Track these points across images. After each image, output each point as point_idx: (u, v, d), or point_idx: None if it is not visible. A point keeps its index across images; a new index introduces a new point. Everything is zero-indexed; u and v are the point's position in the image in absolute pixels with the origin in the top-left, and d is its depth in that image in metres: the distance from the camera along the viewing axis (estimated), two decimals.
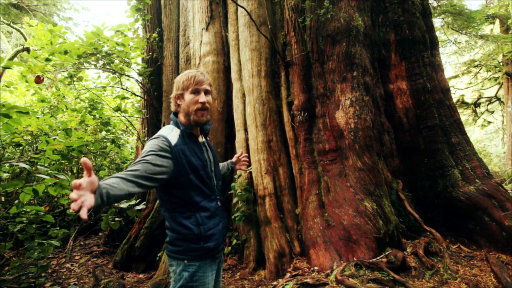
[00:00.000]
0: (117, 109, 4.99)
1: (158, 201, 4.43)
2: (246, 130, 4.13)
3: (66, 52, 3.95)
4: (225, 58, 4.75)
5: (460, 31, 9.19)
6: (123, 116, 5.46)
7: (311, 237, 3.31)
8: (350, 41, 3.73)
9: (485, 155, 12.44)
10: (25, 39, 8.41)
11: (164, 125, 4.98)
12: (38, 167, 2.61)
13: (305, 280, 2.74)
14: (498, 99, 13.13)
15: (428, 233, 3.52)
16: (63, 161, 3.87)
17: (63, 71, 4.38)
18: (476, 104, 12.91)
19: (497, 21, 11.62)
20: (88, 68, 4.46)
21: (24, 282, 2.99)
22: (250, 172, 3.94)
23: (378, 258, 2.92)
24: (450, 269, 2.91)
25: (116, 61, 4.59)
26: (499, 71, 11.65)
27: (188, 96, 1.57)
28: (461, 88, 13.12)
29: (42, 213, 2.69)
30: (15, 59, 7.76)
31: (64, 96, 5.33)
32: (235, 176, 4.08)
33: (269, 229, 3.59)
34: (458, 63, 13.22)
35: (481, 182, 3.77)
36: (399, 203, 3.75)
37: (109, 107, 5.48)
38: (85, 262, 4.22)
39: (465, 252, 3.41)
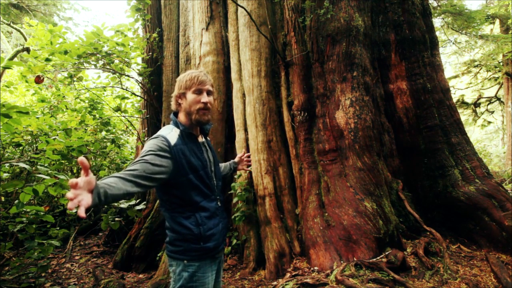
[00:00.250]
0: (117, 109, 4.99)
1: (158, 201, 4.44)
2: (246, 130, 4.13)
3: (66, 52, 3.95)
4: (225, 58, 4.75)
5: (460, 31, 9.19)
6: (123, 116, 5.46)
7: (311, 237, 3.31)
8: (350, 41, 3.73)
9: (485, 155, 12.44)
10: (25, 39, 8.41)
11: (164, 125, 4.98)
12: (38, 167, 2.61)
13: (305, 280, 2.74)
14: (498, 99, 13.13)
15: (428, 233, 3.52)
16: (63, 161, 3.87)
17: (63, 71, 4.38)
18: (476, 104, 12.91)
19: (497, 21, 11.62)
20: (88, 68, 4.46)
21: (24, 282, 2.99)
22: (250, 172, 3.94)
23: (378, 258, 2.92)
24: (450, 269, 2.91)
25: (116, 61, 4.59)
26: (499, 71, 11.65)
27: (190, 96, 1.57)
28: (461, 88, 13.13)
29: (42, 213, 2.69)
30: (15, 59, 7.76)
31: (64, 96, 5.33)
32: (235, 176, 4.08)
33: (269, 229, 3.59)
34: (458, 63, 13.22)
35: (481, 182, 3.77)
36: (399, 203, 3.75)
37: (109, 107, 5.48)
38: (85, 262, 4.22)
39: (465, 252, 3.41)
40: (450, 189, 3.85)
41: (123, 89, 5.20)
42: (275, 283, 3.05)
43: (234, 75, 4.39)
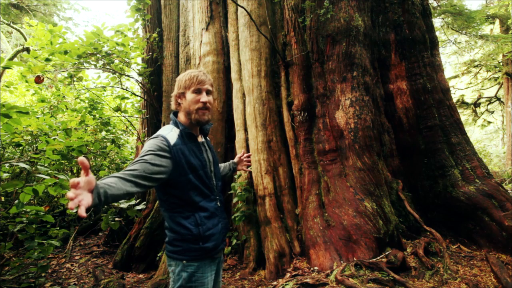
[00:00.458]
0: (117, 109, 4.99)
1: (158, 201, 4.43)
2: (246, 130, 4.13)
3: (66, 52, 3.95)
4: (225, 58, 4.75)
5: (460, 31, 9.19)
6: (123, 116, 5.46)
7: (311, 237, 3.31)
8: (350, 41, 3.73)
9: (485, 155, 12.44)
10: (25, 39, 8.41)
11: (164, 125, 4.99)
12: (38, 167, 2.60)
13: (305, 280, 2.74)
14: (498, 99, 13.13)
15: (428, 233, 3.52)
16: (63, 161, 3.87)
17: (63, 71, 4.38)
18: (476, 104, 12.91)
19: (497, 21, 11.62)
20: (88, 68, 4.46)
21: (24, 282, 2.99)
22: (250, 172, 3.94)
23: (378, 258, 2.92)
24: (450, 269, 2.91)
25: (116, 61, 4.59)
26: (499, 71, 11.65)
27: (189, 95, 1.57)
28: (461, 88, 13.13)
29: (42, 213, 2.69)
30: (15, 59, 7.76)
31: (64, 96, 5.33)
32: (235, 176, 4.08)
33: (269, 229, 3.59)
34: (458, 63, 13.23)
35: (481, 182, 3.77)
36: (399, 203, 3.75)
37: (109, 107, 5.48)
38: (85, 262, 4.22)
39: (465, 252, 3.41)
40: (450, 189, 3.85)
41: (123, 89, 5.20)
42: (275, 283, 3.05)
43: (234, 75, 4.39)
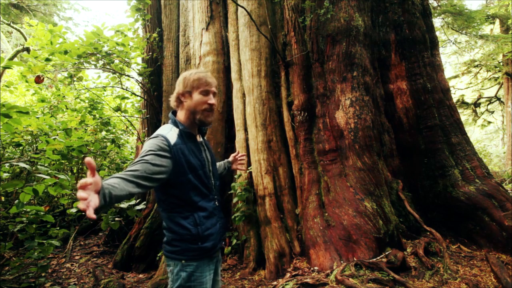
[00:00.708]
0: (117, 109, 4.99)
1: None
2: (246, 130, 4.13)
3: (66, 52, 3.95)
4: (225, 58, 4.75)
5: (460, 31, 9.19)
6: (123, 116, 5.46)
7: (311, 237, 3.31)
8: (350, 41, 3.73)
9: (485, 155, 12.44)
10: (25, 39, 8.41)
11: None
12: (38, 167, 2.61)
13: (305, 280, 2.74)
14: (498, 99, 13.13)
15: (428, 233, 3.52)
16: (63, 161, 3.87)
17: (63, 71, 4.38)
18: (476, 104, 12.91)
19: (497, 21, 11.62)
20: (88, 68, 4.46)
21: (24, 282, 2.99)
22: (250, 172, 3.94)
23: (378, 258, 2.92)
24: (450, 269, 2.91)
25: (116, 61, 4.59)
26: (499, 71, 11.65)
27: (197, 96, 1.57)
28: (461, 88, 13.12)
29: (42, 213, 2.69)
30: (15, 59, 7.76)
31: (64, 96, 5.33)
32: (235, 176, 4.08)
33: (269, 229, 3.59)
34: (458, 63, 13.22)
35: (481, 182, 3.77)
36: (399, 203, 3.75)
37: (109, 107, 5.48)
38: (85, 262, 4.22)
39: (465, 252, 3.41)
40: (450, 189, 3.85)
41: (123, 89, 5.20)
42: (275, 283, 3.05)
43: (234, 75, 4.39)
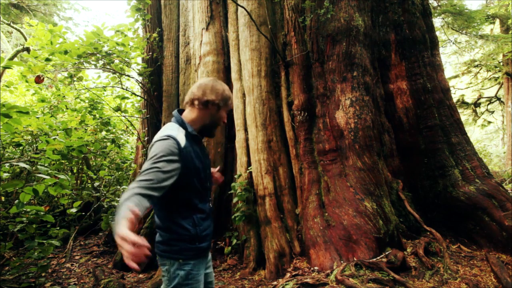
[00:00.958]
0: (117, 109, 4.99)
1: None
2: (246, 130, 4.13)
3: (66, 52, 3.95)
4: (225, 58, 4.75)
5: (460, 31, 9.19)
6: (123, 116, 5.46)
7: (311, 237, 3.31)
8: (350, 41, 3.73)
9: (485, 155, 12.44)
10: (25, 39, 8.41)
11: (164, 125, 4.98)
12: (38, 167, 2.60)
13: (305, 280, 2.74)
14: (498, 99, 13.13)
15: (428, 233, 3.52)
16: (63, 161, 3.87)
17: (63, 71, 4.38)
18: (476, 104, 12.91)
19: (497, 21, 11.62)
20: (88, 68, 4.46)
21: (24, 282, 2.99)
22: (250, 172, 3.94)
23: (378, 258, 2.92)
24: (450, 269, 2.91)
25: (116, 61, 4.59)
26: (499, 71, 11.65)
27: (223, 113, 1.66)
28: (461, 88, 13.12)
29: (42, 213, 2.69)
30: (15, 59, 7.76)
31: (64, 96, 5.33)
32: (235, 176, 4.08)
33: (269, 229, 3.59)
34: (458, 63, 13.22)
35: (481, 182, 3.77)
36: (399, 203, 3.75)
37: (109, 107, 5.48)
38: (85, 262, 4.22)
39: (465, 252, 3.41)
40: (450, 189, 3.85)
41: (123, 89, 5.20)
42: (275, 283, 3.05)
43: (234, 75, 4.39)
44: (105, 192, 4.43)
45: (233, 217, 3.75)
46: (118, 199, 3.71)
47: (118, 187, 5.18)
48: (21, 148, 3.48)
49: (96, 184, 4.91)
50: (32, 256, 2.91)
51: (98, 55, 4.26)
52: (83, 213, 4.24)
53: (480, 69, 11.94)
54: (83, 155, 3.39)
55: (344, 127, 3.57)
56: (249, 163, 4.02)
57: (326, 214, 3.39)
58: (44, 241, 2.83)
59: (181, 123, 1.57)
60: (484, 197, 3.60)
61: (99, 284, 3.33)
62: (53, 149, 2.75)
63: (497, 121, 14.14)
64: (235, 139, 4.27)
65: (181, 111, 1.66)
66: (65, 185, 2.55)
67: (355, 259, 2.95)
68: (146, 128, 5.36)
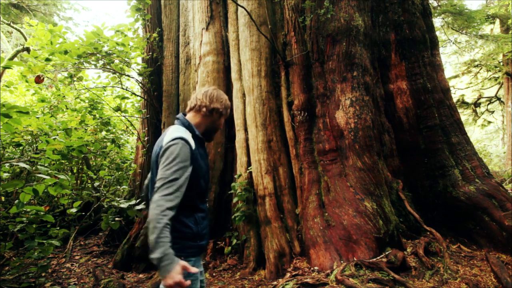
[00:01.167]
0: (117, 109, 4.99)
1: None
2: (246, 130, 4.13)
3: (66, 52, 3.95)
4: (225, 58, 4.74)
5: (460, 31, 9.19)
6: (123, 116, 5.46)
7: (311, 237, 3.31)
8: (350, 41, 3.73)
9: (485, 155, 12.44)
10: (25, 39, 8.41)
11: (164, 125, 4.98)
12: (38, 167, 2.60)
13: (305, 280, 2.74)
14: (498, 99, 13.13)
15: (428, 233, 3.52)
16: (63, 161, 3.87)
17: (63, 71, 4.38)
18: (476, 104, 12.91)
19: (497, 21, 11.62)
20: (88, 68, 4.46)
21: (24, 282, 2.99)
22: (250, 172, 3.94)
23: (378, 258, 2.92)
24: (450, 269, 2.91)
25: (116, 61, 4.59)
26: (499, 71, 11.64)
27: (222, 120, 1.78)
28: (461, 88, 13.12)
29: (42, 213, 2.69)
30: (15, 59, 7.76)
31: (64, 96, 5.33)
32: (235, 176, 4.08)
33: (269, 229, 3.59)
34: (458, 63, 13.23)
35: (481, 182, 3.76)
36: (399, 203, 3.75)
37: (109, 107, 5.48)
38: (85, 262, 4.22)
39: (465, 252, 3.41)
40: (450, 189, 3.85)
41: (123, 89, 5.20)
42: (275, 283, 3.05)
43: (234, 75, 4.39)
44: (105, 192, 4.43)
45: (233, 217, 3.75)
46: (118, 199, 3.71)
47: (118, 187, 5.18)
48: (21, 148, 3.48)
49: (96, 184, 4.91)
50: (32, 256, 2.91)
51: (98, 55, 4.26)
52: (83, 213, 4.24)
53: (480, 69, 11.94)
54: (83, 155, 3.39)
55: (344, 127, 3.57)
56: (249, 163, 4.02)
57: (326, 214, 3.39)
58: (44, 241, 2.83)
59: (188, 126, 1.64)
60: (484, 197, 3.60)
61: (99, 284, 3.33)
62: (53, 149, 2.75)
63: (497, 121, 14.14)
64: (235, 139, 4.27)
65: (184, 115, 1.74)
66: (65, 185, 2.55)
67: (355, 259, 2.95)
68: (146, 128, 5.36)
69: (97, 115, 5.07)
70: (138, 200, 3.69)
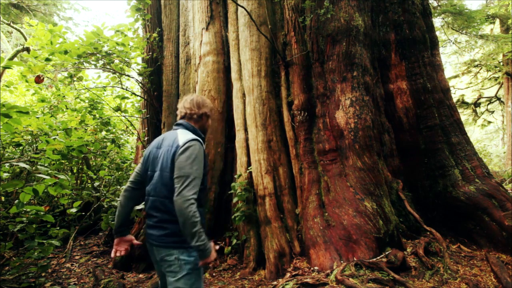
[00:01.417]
0: (117, 109, 4.99)
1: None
2: (246, 130, 4.13)
3: (66, 52, 3.95)
4: (225, 58, 4.74)
5: (460, 31, 9.19)
6: (123, 116, 5.46)
7: (311, 237, 3.31)
8: (350, 41, 3.73)
9: (485, 155, 12.44)
10: (25, 39, 8.41)
11: (164, 125, 4.98)
12: (38, 167, 2.60)
13: (305, 280, 2.74)
14: (498, 99, 13.13)
15: (428, 233, 3.52)
16: (63, 161, 3.87)
17: (63, 71, 4.38)
18: (476, 104, 12.91)
19: (497, 21, 11.62)
20: (88, 68, 4.46)
21: (24, 282, 2.99)
22: (250, 172, 3.94)
23: (378, 258, 2.92)
24: (450, 269, 2.91)
25: (116, 61, 4.59)
26: (499, 71, 11.65)
27: (210, 121, 2.00)
28: (461, 88, 13.13)
29: (42, 213, 2.69)
30: (15, 59, 7.76)
31: (64, 96, 5.33)
32: (235, 176, 4.08)
33: (269, 229, 3.59)
34: (458, 63, 13.23)
35: (481, 182, 3.76)
36: (399, 203, 3.75)
37: (109, 107, 5.48)
38: (85, 262, 4.22)
39: (465, 252, 3.41)
40: (450, 189, 3.85)
41: (123, 89, 5.20)
42: (275, 283, 3.05)
43: (234, 75, 4.39)
44: (105, 192, 4.43)
45: (233, 217, 3.75)
46: (118, 199, 3.71)
47: (118, 187, 5.18)
48: (21, 148, 3.48)
49: (96, 184, 4.91)
50: (32, 256, 2.91)
51: (98, 55, 4.26)
52: (83, 213, 4.24)
53: (480, 69, 11.94)
54: (83, 155, 3.39)
55: (344, 127, 3.57)
56: (249, 163, 4.02)
57: (326, 214, 3.39)
58: (44, 241, 2.82)
59: (193, 130, 1.83)
60: (484, 197, 3.60)
61: (99, 284, 3.33)
62: (53, 149, 2.75)
63: (497, 121, 14.14)
64: (235, 139, 4.27)
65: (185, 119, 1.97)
66: (65, 185, 2.55)
67: (355, 259, 2.95)
68: (146, 128, 5.36)
69: (97, 115, 5.07)
70: None
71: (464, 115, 12.97)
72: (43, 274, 3.23)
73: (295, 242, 3.56)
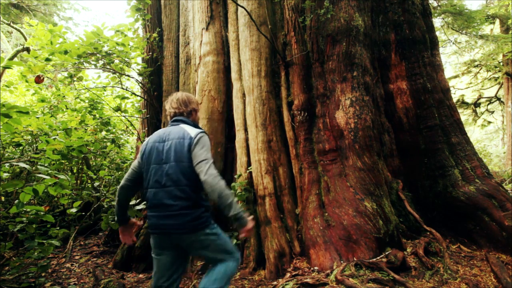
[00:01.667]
0: (117, 109, 4.99)
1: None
2: (246, 130, 4.13)
3: (66, 52, 3.95)
4: (225, 58, 4.74)
5: (460, 31, 9.20)
6: (123, 116, 5.46)
7: (311, 237, 3.31)
8: (350, 41, 3.73)
9: (485, 155, 12.44)
10: (25, 39, 8.41)
11: (164, 125, 4.98)
12: (38, 167, 2.60)
13: (305, 280, 2.74)
14: (498, 99, 13.13)
15: (428, 233, 3.52)
16: (63, 161, 3.87)
17: (63, 71, 4.38)
18: (476, 104, 12.91)
19: (497, 21, 11.62)
20: (88, 68, 4.46)
21: (24, 282, 2.99)
22: (250, 172, 3.94)
23: (378, 258, 2.92)
24: (450, 269, 2.91)
25: (116, 61, 4.59)
26: (499, 71, 11.65)
27: (198, 114, 2.20)
28: (461, 88, 13.13)
29: (42, 213, 2.69)
30: (15, 59, 7.76)
31: (64, 96, 5.33)
32: (235, 176, 4.08)
33: (269, 229, 3.59)
34: (458, 63, 13.23)
35: (481, 182, 3.76)
36: (399, 203, 3.75)
37: (109, 107, 5.48)
38: (85, 262, 4.22)
39: (465, 252, 3.41)
40: (450, 189, 3.85)
41: (123, 89, 5.20)
42: (275, 283, 3.05)
43: (234, 75, 4.39)
44: (105, 192, 4.43)
45: None
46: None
47: (118, 187, 5.18)
48: (21, 148, 3.48)
49: (96, 184, 4.91)
50: (32, 256, 2.91)
51: (98, 55, 4.26)
52: (83, 213, 4.24)
53: (480, 69, 11.94)
54: (83, 155, 3.39)
55: (344, 127, 3.57)
56: (249, 163, 4.02)
57: (326, 214, 3.39)
58: (44, 241, 2.82)
59: (194, 125, 2.04)
60: (484, 197, 3.60)
61: (99, 284, 3.33)
62: (53, 149, 2.75)
63: (497, 121, 14.15)
64: (235, 139, 4.27)
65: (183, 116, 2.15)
66: (65, 185, 2.55)
67: (355, 259, 2.95)
68: (146, 128, 5.35)
69: (97, 115, 5.07)
70: (138, 200, 3.69)
71: (464, 115, 12.97)
72: (43, 274, 3.23)
73: (295, 242, 3.56)
